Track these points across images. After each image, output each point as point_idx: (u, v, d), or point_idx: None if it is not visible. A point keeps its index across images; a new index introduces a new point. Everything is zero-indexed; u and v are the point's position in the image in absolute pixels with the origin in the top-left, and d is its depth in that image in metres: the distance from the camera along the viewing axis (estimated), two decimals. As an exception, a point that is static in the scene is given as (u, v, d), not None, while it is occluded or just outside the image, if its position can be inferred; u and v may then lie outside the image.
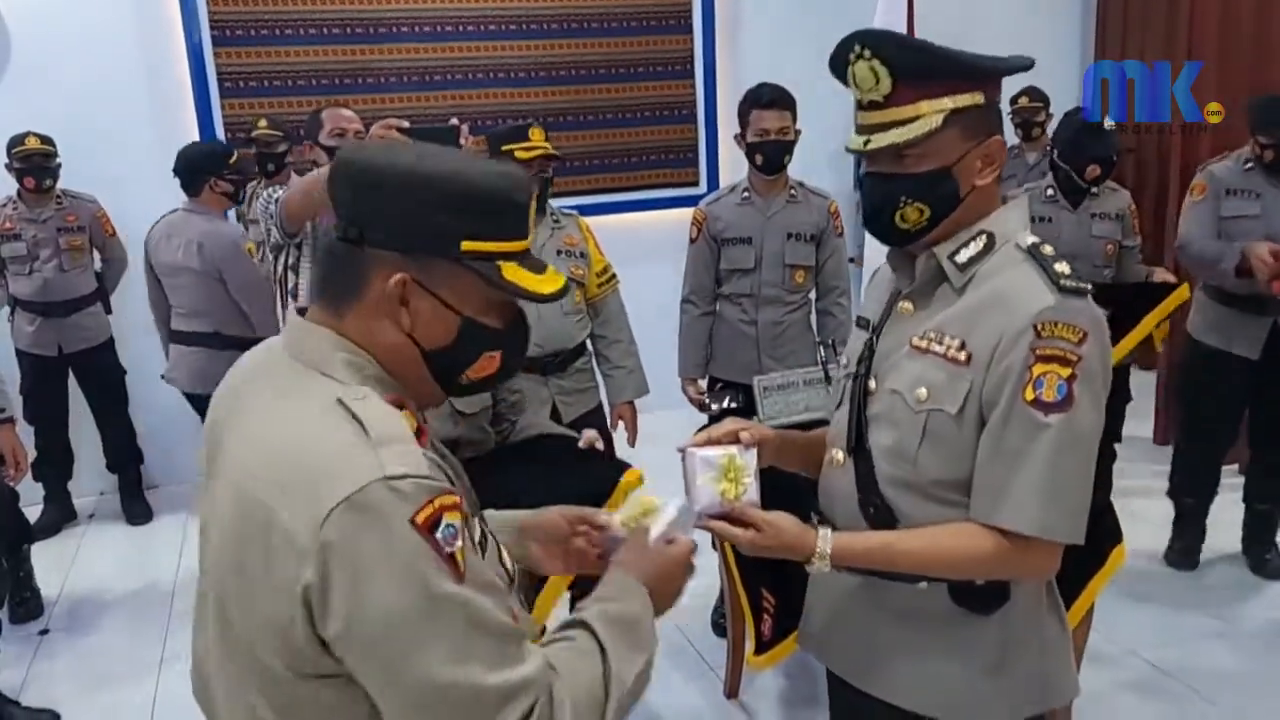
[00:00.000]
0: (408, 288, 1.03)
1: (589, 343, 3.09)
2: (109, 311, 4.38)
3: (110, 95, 4.51)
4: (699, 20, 5.31)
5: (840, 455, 1.47)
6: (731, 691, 2.92)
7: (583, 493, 2.03)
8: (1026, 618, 1.42)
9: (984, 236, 1.36)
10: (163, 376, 4.15)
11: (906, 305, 1.43)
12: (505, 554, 1.15)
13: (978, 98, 1.32)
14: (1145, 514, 3.89)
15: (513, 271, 1.06)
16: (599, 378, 3.13)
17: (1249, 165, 3.28)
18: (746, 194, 3.14)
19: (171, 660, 3.27)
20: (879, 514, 1.40)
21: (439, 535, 0.93)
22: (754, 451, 1.42)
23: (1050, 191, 3.44)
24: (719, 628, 3.20)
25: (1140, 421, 4.84)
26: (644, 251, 4.40)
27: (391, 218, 1.03)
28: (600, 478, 2.12)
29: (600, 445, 2.51)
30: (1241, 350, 3.32)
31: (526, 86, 5.08)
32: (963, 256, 1.36)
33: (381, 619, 0.92)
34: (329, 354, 1.04)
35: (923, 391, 1.35)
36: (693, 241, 3.24)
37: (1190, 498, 3.61)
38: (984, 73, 1.33)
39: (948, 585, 1.38)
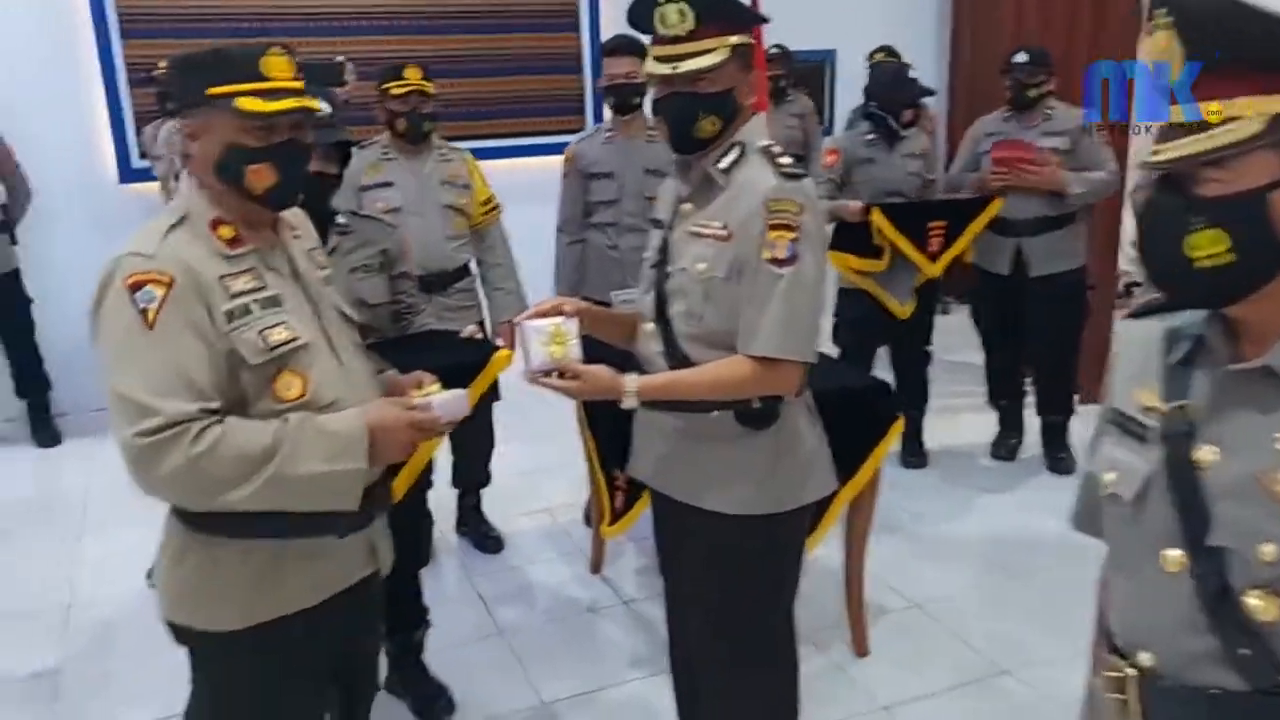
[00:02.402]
0: (189, 129, 1.54)
1: (473, 266, 3.44)
2: (14, 242, 4.55)
3: (12, 35, 4.65)
4: (584, -25, 5.64)
5: (650, 326, 1.90)
6: (595, 567, 3.37)
7: (460, 365, 2.43)
8: (791, 432, 1.86)
9: (738, 147, 1.80)
10: None
11: (688, 206, 1.85)
12: (275, 334, 1.52)
13: (748, 38, 1.77)
14: (971, 425, 4.48)
15: (247, 102, 1.49)
16: (482, 298, 3.49)
17: (1007, 115, 3.94)
18: (610, 133, 3.51)
19: (87, 558, 3.56)
20: (680, 364, 1.83)
21: (137, 295, 1.42)
22: (575, 320, 1.80)
23: (870, 136, 3.93)
24: (589, 520, 3.63)
25: (974, 351, 5.43)
26: (533, 194, 4.72)
27: (175, 89, 1.61)
28: (475, 355, 2.49)
29: (479, 335, 2.89)
30: (995, 267, 3.94)
31: (418, 35, 5.34)
32: (724, 164, 1.80)
33: (101, 334, 1.45)
34: (181, 189, 1.60)
35: (701, 265, 1.78)
36: (565, 177, 3.59)
37: (1002, 399, 4.26)
38: (756, 19, 1.81)
39: (734, 412, 1.81)
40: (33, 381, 4.72)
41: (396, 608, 2.56)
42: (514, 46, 5.59)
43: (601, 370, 1.76)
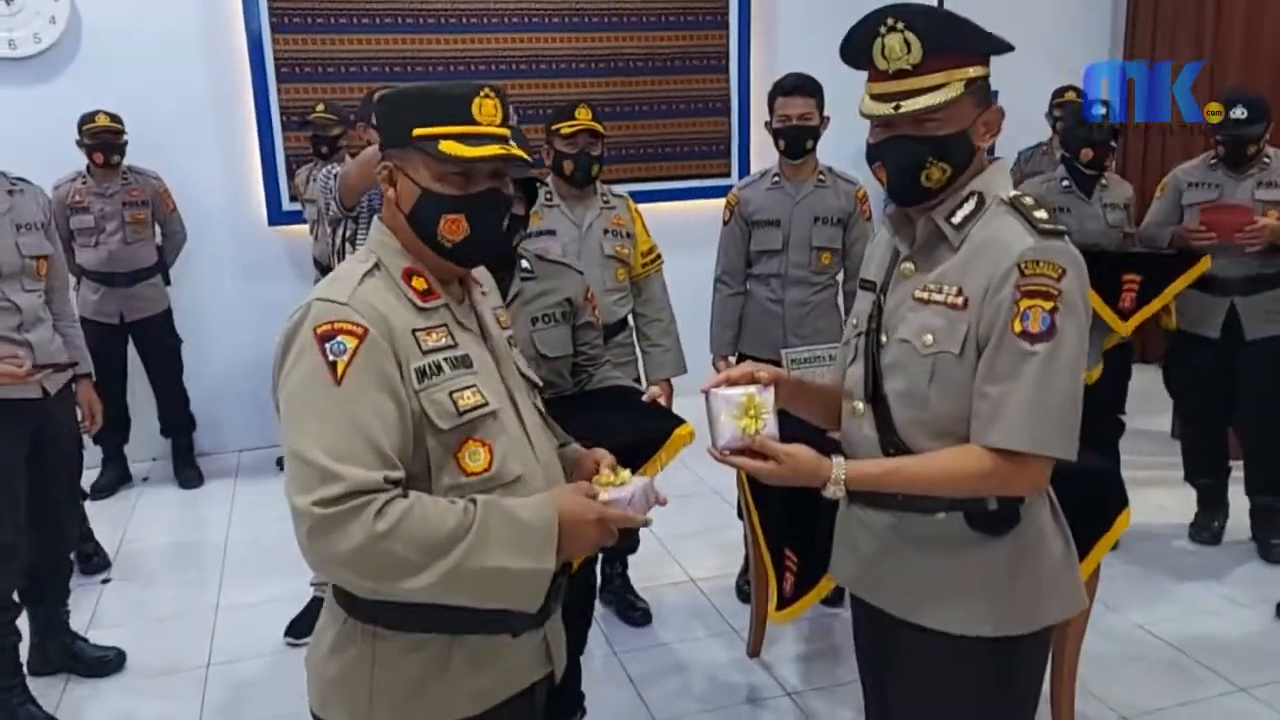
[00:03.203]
0: (391, 172, 1.41)
1: (630, 319, 3.25)
2: (168, 283, 4.61)
3: (175, 78, 4.75)
4: (735, 16, 5.48)
5: (860, 405, 1.62)
6: (754, 650, 3.08)
7: (640, 436, 2.23)
8: (1034, 538, 1.56)
9: (975, 197, 1.52)
10: None
11: (908, 266, 1.58)
12: (466, 398, 1.35)
13: (985, 70, 1.49)
14: (1165, 503, 4.03)
15: (449, 145, 1.34)
16: (638, 353, 3.29)
17: (1213, 162, 3.56)
18: (776, 179, 3.28)
19: (226, 608, 3.48)
20: (898, 453, 1.55)
21: (328, 346, 1.28)
22: (771, 390, 1.55)
23: (1065, 183, 3.59)
24: (743, 593, 3.36)
25: (1158, 417, 4.94)
26: (677, 239, 4.55)
27: (383, 126, 1.45)
28: (656, 426, 2.27)
29: (662, 401, 2.69)
30: (1203, 330, 3.53)
31: (567, 78, 5.26)
32: (958, 218, 1.52)
33: (285, 385, 1.30)
34: (372, 235, 1.46)
35: (928, 338, 1.51)
36: (725, 224, 3.38)
37: (1203, 478, 3.80)
38: (996, 48, 1.50)
39: (963, 512, 1.53)
40: (178, 421, 4.75)
41: (554, 693, 2.35)
42: (663, 89, 5.46)
43: (803, 451, 1.50)
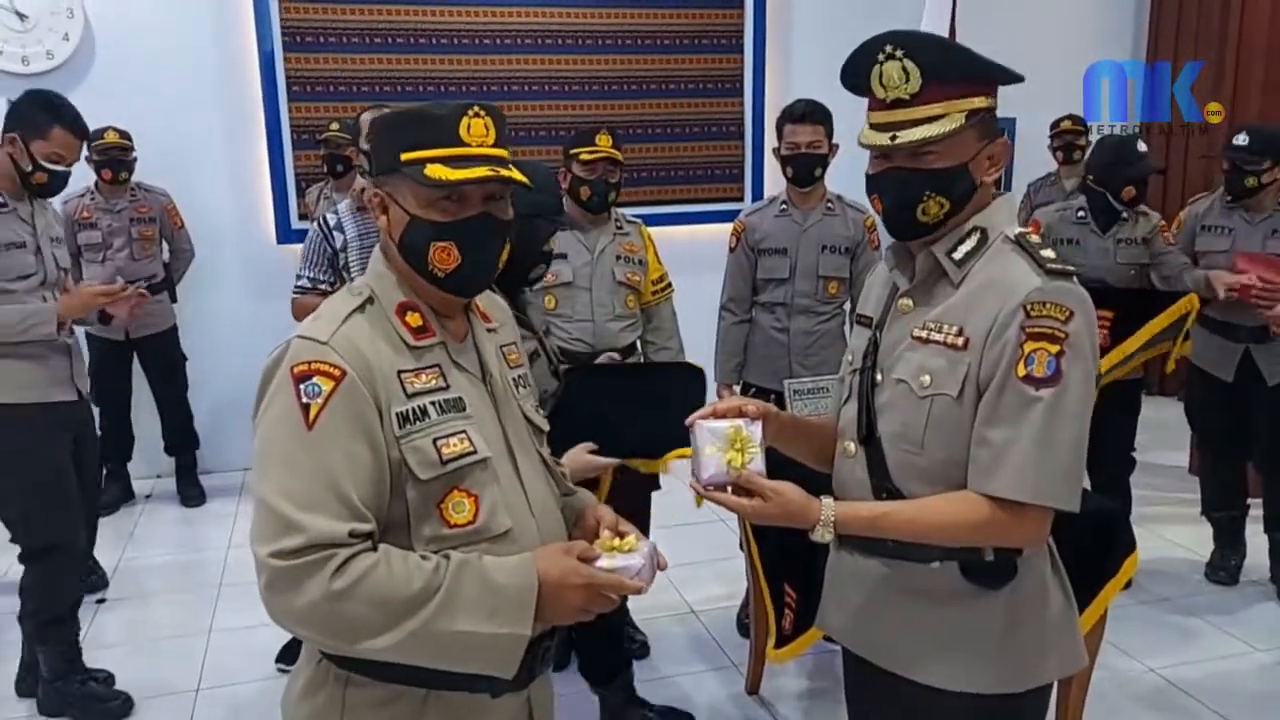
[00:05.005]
0: (381, 200, 1.35)
1: (639, 346, 3.21)
2: (174, 300, 4.60)
3: (185, 95, 4.76)
4: (750, 41, 5.45)
5: (852, 446, 1.57)
6: (753, 687, 3.01)
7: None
8: (1032, 592, 1.50)
9: (978, 233, 1.46)
10: None
11: (906, 302, 1.52)
12: (451, 445, 1.28)
13: (990, 100, 1.44)
14: (1180, 540, 3.94)
15: (434, 169, 1.28)
16: None
17: (1230, 203, 3.46)
18: (784, 206, 3.23)
19: (220, 631, 3.44)
20: (890, 498, 1.49)
21: (303, 387, 1.22)
22: (759, 424, 1.50)
23: (1081, 214, 3.49)
24: (744, 628, 3.29)
25: (1176, 452, 4.83)
26: (688, 263, 4.50)
27: (374, 151, 1.39)
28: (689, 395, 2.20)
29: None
30: (1218, 373, 3.46)
31: (580, 99, 5.24)
32: (959, 253, 1.46)
33: (259, 425, 1.26)
34: (371, 266, 1.40)
35: (926, 378, 1.45)
36: (731, 251, 3.34)
37: (1218, 513, 3.71)
38: (1001, 78, 1.44)
39: (959, 563, 1.47)
40: (182, 439, 4.73)
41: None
42: (677, 112, 5.44)
43: (790, 490, 1.44)
